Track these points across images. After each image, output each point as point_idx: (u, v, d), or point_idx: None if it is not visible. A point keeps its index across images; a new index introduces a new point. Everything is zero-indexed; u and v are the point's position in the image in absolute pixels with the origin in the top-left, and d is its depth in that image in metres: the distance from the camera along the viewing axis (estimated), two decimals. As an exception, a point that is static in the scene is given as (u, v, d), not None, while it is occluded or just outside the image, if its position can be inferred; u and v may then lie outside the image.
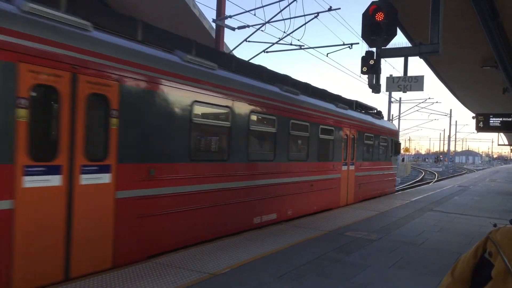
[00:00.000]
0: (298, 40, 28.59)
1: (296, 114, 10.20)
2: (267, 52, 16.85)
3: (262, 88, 9.11)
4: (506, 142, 57.42)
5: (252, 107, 8.56)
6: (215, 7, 15.43)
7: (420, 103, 40.15)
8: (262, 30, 15.70)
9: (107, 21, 6.13)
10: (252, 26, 15.71)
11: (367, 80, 8.90)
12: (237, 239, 7.65)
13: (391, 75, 10.54)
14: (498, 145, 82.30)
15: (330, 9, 15.06)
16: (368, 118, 15.55)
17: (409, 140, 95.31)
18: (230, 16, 15.61)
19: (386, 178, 17.62)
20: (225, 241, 7.45)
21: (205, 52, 7.93)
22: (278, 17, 25.44)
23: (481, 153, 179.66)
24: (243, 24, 15.92)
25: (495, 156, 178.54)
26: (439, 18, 7.82)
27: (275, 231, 8.56)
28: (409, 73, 9.21)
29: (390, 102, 33.80)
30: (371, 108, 16.80)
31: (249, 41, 16.39)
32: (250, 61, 12.42)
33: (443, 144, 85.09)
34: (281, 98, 9.71)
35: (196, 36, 14.48)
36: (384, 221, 10.36)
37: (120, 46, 5.87)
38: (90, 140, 5.32)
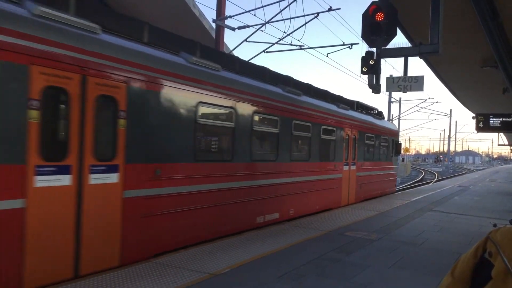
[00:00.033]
0: (298, 40, 28.70)
1: (298, 114, 10.31)
2: (267, 52, 16.91)
3: (265, 89, 9.22)
4: (506, 142, 57.50)
5: (255, 108, 8.67)
6: (215, 7, 15.48)
7: (420, 103, 40.24)
8: (262, 30, 15.78)
9: (114, 23, 6.23)
10: (252, 26, 15.76)
11: (367, 80, 8.94)
12: (237, 239, 7.68)
13: (391, 75, 10.61)
14: (498, 145, 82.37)
15: (330, 9, 15.12)
16: (369, 118, 15.66)
17: (409, 140, 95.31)
18: (230, 16, 15.65)
19: (387, 178, 17.74)
20: (225, 241, 7.49)
21: (209, 54, 8.04)
22: (278, 17, 25.53)
23: (481, 153, 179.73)
24: (243, 24, 15.98)
25: (495, 156, 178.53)
26: (439, 18, 7.85)
27: (275, 231, 8.61)
28: (409, 73, 9.25)
29: (390, 102, 33.86)
30: (372, 109, 16.91)
31: (249, 41, 16.44)
32: (250, 61, 12.49)
33: (443, 144, 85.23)
34: (284, 99, 9.82)
35: (196, 36, 14.55)
36: (384, 221, 10.43)
37: (127, 49, 5.98)
38: (98, 140, 5.43)
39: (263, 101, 8.99)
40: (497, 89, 18.37)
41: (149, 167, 6.18)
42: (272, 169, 9.38)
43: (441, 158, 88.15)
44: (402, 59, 9.33)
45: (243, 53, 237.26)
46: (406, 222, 10.48)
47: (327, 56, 18.71)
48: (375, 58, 8.50)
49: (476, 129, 20.87)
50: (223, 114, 7.98)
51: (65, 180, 5.01)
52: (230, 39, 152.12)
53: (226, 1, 15.49)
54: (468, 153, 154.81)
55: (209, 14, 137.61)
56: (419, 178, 39.14)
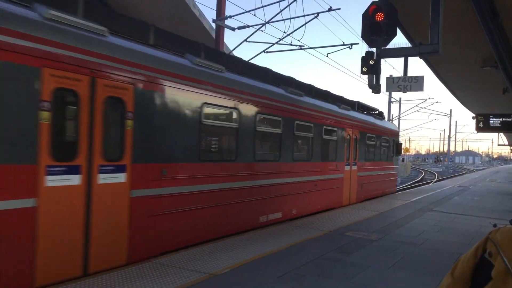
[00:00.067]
0: (298, 40, 28.71)
1: (300, 115, 10.43)
2: (267, 52, 16.97)
3: (268, 90, 9.34)
4: (506, 142, 57.58)
5: (258, 109, 8.79)
6: (215, 7, 15.53)
7: (420, 103, 40.33)
8: (262, 30, 15.82)
9: (120, 25, 6.34)
10: (252, 26, 15.81)
11: (367, 80, 8.98)
12: (237, 239, 7.72)
13: (391, 75, 10.68)
14: (498, 145, 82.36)
15: (330, 9, 15.16)
16: (370, 118, 15.77)
17: (409, 140, 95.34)
18: (230, 16, 15.70)
19: (388, 178, 17.86)
20: (225, 241, 7.52)
21: (213, 55, 8.15)
22: (278, 17, 25.61)
23: (481, 153, 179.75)
24: (243, 24, 16.01)
25: (495, 156, 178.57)
26: (439, 18, 7.88)
27: (276, 231, 8.65)
28: (409, 73, 9.30)
29: (390, 102, 33.94)
30: (373, 109, 17.02)
31: (249, 41, 16.49)
32: (250, 61, 12.58)
33: (443, 144, 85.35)
34: (286, 99, 9.93)
35: (196, 37, 14.60)
36: (384, 221, 10.48)
37: (135, 51, 6.10)
38: (107, 141, 5.56)
39: (266, 102, 9.10)
40: (497, 89, 18.42)
41: (155, 167, 6.30)
42: (275, 169, 9.49)
43: (441, 158, 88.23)
44: (402, 59, 9.39)
45: (243, 53, 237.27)
46: (406, 222, 10.54)
47: (327, 56, 18.81)
48: (375, 58, 8.53)
49: (476, 129, 20.93)
50: (227, 115, 8.10)
51: (75, 179, 5.14)
52: (230, 39, 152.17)
53: (226, 1, 15.53)
54: (468, 153, 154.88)
55: (209, 14, 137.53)
56: (419, 178, 39.23)
